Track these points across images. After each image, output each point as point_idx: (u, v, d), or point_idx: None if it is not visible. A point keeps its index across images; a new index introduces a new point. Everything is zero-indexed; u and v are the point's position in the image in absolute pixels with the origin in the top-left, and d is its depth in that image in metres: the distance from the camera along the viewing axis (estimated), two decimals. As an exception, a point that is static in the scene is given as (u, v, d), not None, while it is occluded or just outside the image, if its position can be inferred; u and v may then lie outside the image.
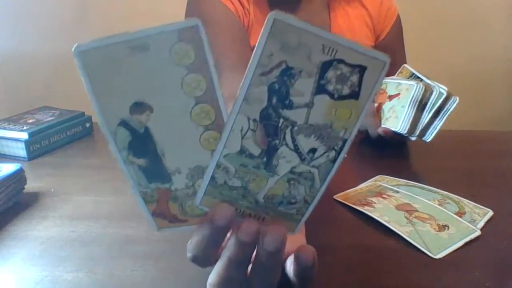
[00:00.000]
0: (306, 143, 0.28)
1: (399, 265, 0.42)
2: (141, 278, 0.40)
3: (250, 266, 0.32)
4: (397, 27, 0.90)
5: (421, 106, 0.66)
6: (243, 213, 0.30)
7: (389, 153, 0.72)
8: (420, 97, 0.66)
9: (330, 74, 0.26)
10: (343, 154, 0.28)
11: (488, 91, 1.57)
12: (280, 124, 0.27)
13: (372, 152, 0.73)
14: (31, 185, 0.58)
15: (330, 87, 0.26)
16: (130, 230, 0.48)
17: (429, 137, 0.67)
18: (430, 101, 0.66)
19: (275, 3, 0.81)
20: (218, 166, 0.28)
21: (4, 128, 0.72)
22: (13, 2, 1.57)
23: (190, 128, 0.28)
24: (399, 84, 0.71)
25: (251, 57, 0.25)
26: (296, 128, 0.27)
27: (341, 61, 0.25)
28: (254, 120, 0.27)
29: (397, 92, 0.70)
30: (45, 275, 0.40)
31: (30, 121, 0.76)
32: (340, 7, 0.86)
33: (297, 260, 0.30)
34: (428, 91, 0.66)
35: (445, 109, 0.66)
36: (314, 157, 0.28)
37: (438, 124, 0.67)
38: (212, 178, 0.29)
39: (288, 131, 0.27)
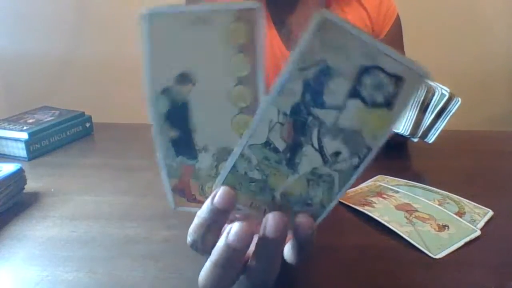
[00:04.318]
0: (331, 145, 0.28)
1: (399, 265, 0.41)
2: (141, 278, 0.40)
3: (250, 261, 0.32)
4: (397, 27, 0.90)
5: (423, 107, 0.66)
6: (257, 208, 0.30)
7: (389, 153, 0.71)
8: (422, 98, 0.66)
9: (367, 79, 0.26)
10: (366, 163, 0.28)
11: (489, 91, 1.57)
12: (308, 122, 0.27)
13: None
14: (31, 185, 0.58)
15: (365, 93, 0.26)
16: (130, 230, 0.48)
17: (431, 138, 0.67)
18: (433, 102, 0.66)
19: (274, 3, 0.81)
20: (241, 155, 0.29)
21: (4, 128, 0.72)
22: (13, 2, 1.57)
23: (226, 107, 0.28)
24: None
25: (293, 51, 0.25)
26: (323, 128, 0.27)
27: (380, 68, 0.25)
28: (284, 113, 0.27)
29: None
30: (45, 275, 0.40)
31: (30, 121, 0.76)
32: (338, 8, 0.86)
33: (295, 231, 0.30)
34: (430, 92, 0.66)
35: (447, 110, 0.66)
36: (337, 161, 0.28)
37: (440, 126, 0.66)
38: (234, 166, 0.29)
39: (315, 130, 0.27)
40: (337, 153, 0.28)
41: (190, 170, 0.31)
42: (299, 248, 0.31)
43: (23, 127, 0.73)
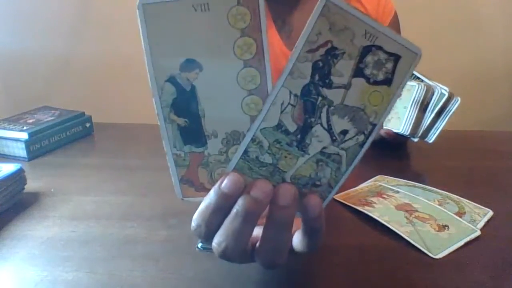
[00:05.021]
0: (339, 124, 0.29)
1: (399, 265, 0.42)
2: (141, 278, 0.40)
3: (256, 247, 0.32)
4: (394, 24, 0.90)
5: (423, 107, 0.66)
6: None
7: (389, 153, 0.72)
8: (421, 98, 0.66)
9: (369, 59, 0.27)
10: (371, 139, 0.30)
11: (489, 91, 1.57)
12: (318, 102, 0.28)
13: (372, 152, 0.72)
14: (31, 185, 0.58)
15: (367, 71, 0.28)
16: (130, 230, 0.48)
17: (431, 138, 0.67)
18: (432, 101, 0.66)
19: (274, 2, 0.81)
20: (253, 140, 0.29)
21: (4, 128, 0.72)
22: (13, 2, 1.57)
23: (235, 90, 0.29)
24: None
25: (301, 34, 0.27)
26: (332, 107, 0.29)
27: (379, 47, 0.27)
28: (295, 95, 0.28)
29: None
30: (45, 275, 0.40)
31: (30, 121, 0.76)
32: None
33: (304, 212, 0.30)
34: (429, 91, 0.66)
35: (447, 109, 0.66)
36: (345, 139, 0.30)
37: (440, 125, 0.66)
38: (245, 152, 0.29)
39: (324, 110, 0.29)
40: (344, 132, 0.29)
41: (198, 158, 0.31)
42: (309, 234, 0.31)
43: (23, 127, 0.73)
